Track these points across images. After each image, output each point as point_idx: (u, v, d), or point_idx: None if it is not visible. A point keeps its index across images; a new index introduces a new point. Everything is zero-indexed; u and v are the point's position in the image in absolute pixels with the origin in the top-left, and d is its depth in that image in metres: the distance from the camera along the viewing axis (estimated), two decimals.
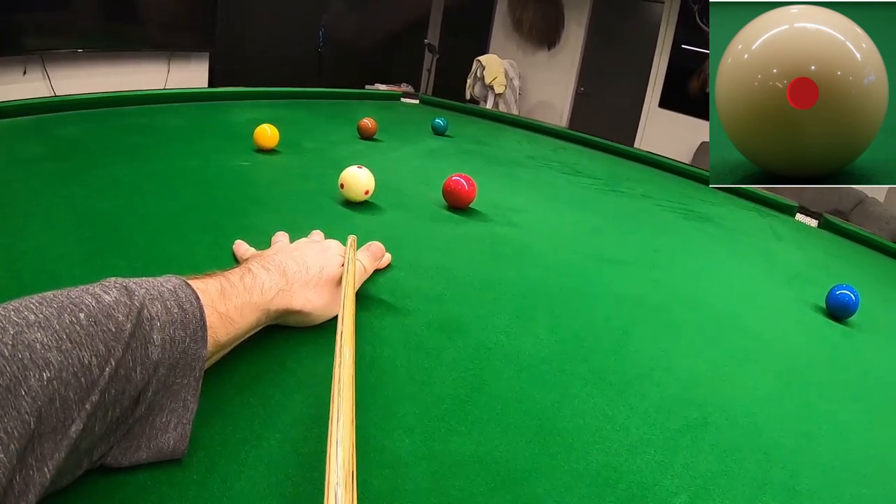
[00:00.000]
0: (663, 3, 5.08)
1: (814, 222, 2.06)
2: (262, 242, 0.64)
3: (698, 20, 4.96)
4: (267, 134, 1.20)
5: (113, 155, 1.09)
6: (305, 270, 0.50)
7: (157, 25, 3.74)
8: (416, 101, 2.57)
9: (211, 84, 4.12)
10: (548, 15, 5.43)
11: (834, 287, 0.96)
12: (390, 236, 0.77)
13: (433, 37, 7.03)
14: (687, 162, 4.86)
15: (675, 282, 0.93)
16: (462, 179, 0.99)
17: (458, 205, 1.01)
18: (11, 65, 3.13)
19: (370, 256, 0.63)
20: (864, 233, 1.90)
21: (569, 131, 2.48)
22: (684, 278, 0.96)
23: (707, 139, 5.04)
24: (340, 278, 0.53)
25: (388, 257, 0.69)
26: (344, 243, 0.60)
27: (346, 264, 0.53)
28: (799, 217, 2.08)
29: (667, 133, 5.30)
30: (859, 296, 0.94)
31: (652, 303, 0.79)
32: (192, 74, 4.07)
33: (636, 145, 5.40)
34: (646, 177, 1.99)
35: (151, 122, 1.44)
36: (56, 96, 1.61)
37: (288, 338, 0.50)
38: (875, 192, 4.64)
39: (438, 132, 1.85)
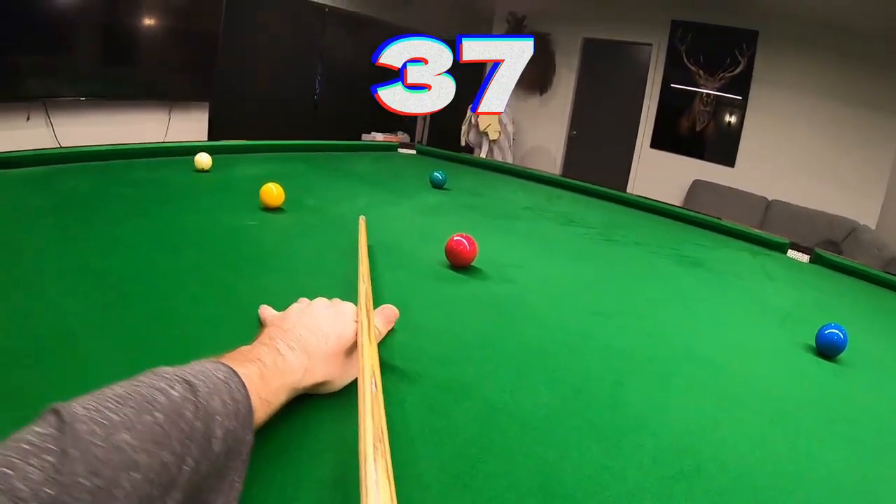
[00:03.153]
0: (651, 45, 5.27)
1: (805, 258, 2.12)
2: (271, 303, 0.68)
3: (686, 60, 5.14)
4: (273, 193, 1.25)
5: (117, 209, 1.16)
6: (325, 342, 0.54)
7: (157, 75, 3.92)
8: (413, 152, 2.67)
9: (211, 134, 4.28)
10: (539, 62, 5.62)
11: (823, 326, 1.01)
12: (395, 297, 0.82)
13: None
14: (680, 202, 4.98)
15: (666, 332, 0.97)
16: (464, 240, 1.05)
17: (459, 264, 1.06)
18: (15, 110, 3.27)
19: (384, 320, 0.67)
20: (854, 265, 1.97)
21: (563, 179, 2.56)
22: (676, 327, 1.01)
23: (700, 178, 5.17)
24: (356, 342, 0.56)
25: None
26: (355, 302, 0.63)
27: (359, 333, 0.56)
28: (791, 253, 2.14)
29: (659, 173, 5.42)
30: (847, 334, 0.98)
31: (644, 354, 0.83)
32: (192, 124, 4.24)
33: (629, 186, 5.52)
34: (639, 223, 2.05)
35: (154, 177, 1.52)
36: (60, 147, 1.69)
37: (309, 403, 0.54)
38: (867, 219, 4.72)
39: (437, 185, 1.91)
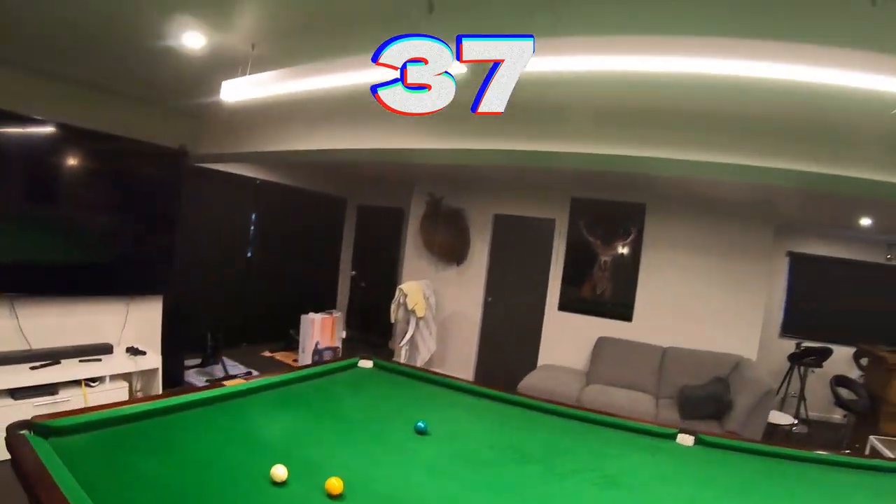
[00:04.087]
0: (554, 219, 6.06)
1: (691, 440, 2.57)
2: None
3: (585, 232, 5.94)
4: (336, 485, 1.50)
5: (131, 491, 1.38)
6: None
7: (118, 270, 4.17)
8: (370, 364, 2.98)
9: (165, 325, 4.50)
10: (455, 236, 6.28)
11: None
12: None
13: (346, 259, 7.84)
14: (588, 357, 5.50)
15: None
16: None
17: None
18: None
19: None
20: (727, 442, 2.47)
21: (512, 397, 2.79)
22: None
23: (606, 334, 5.77)
24: None
25: None
26: None
27: None
28: (679, 438, 2.57)
29: (567, 332, 5.99)
30: None
31: None
32: (149, 314, 4.44)
33: (541, 345, 6.03)
34: (579, 441, 2.36)
35: (168, 439, 1.72)
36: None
37: None
38: (748, 353, 5.42)
39: (420, 433, 2.14)
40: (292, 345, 6.26)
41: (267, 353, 6.22)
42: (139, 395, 4.00)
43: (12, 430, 1.53)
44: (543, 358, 6.06)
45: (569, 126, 3.53)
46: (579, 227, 5.99)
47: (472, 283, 6.39)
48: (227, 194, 6.12)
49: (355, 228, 8.01)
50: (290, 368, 5.08)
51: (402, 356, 5.55)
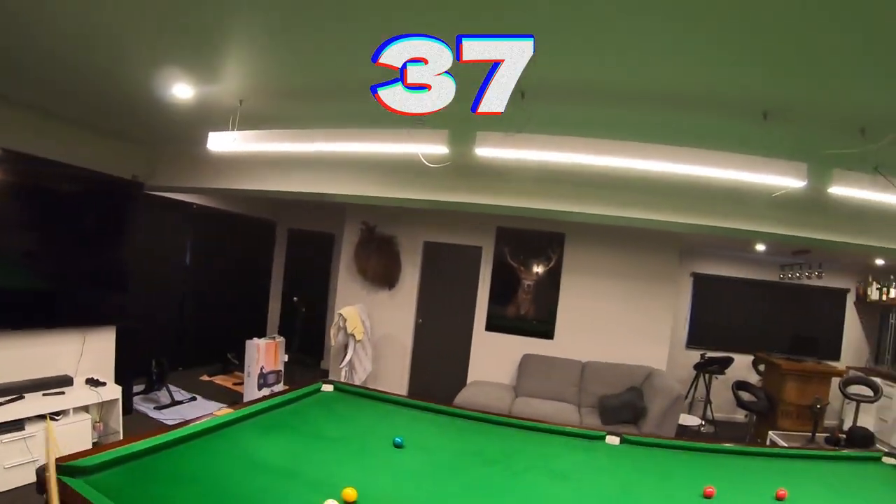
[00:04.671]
0: (481, 247, 6.51)
1: (617, 440, 3.01)
2: None
3: (509, 258, 6.41)
4: (351, 495, 1.72)
5: None
6: None
7: (76, 301, 4.18)
8: (332, 388, 3.20)
9: (117, 354, 4.45)
10: (387, 262, 6.56)
11: None
12: None
13: (276, 282, 7.90)
14: (514, 373, 5.93)
15: None
16: None
17: None
18: None
19: None
20: (647, 440, 2.94)
21: (467, 413, 3.10)
22: None
23: (530, 351, 6.24)
24: None
25: None
26: None
27: None
28: (608, 439, 3.01)
29: (495, 350, 6.43)
30: None
31: None
32: (103, 343, 4.39)
33: (470, 363, 6.43)
34: (528, 444, 2.73)
35: (188, 468, 1.87)
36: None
37: None
38: (658, 364, 6.09)
39: (398, 446, 2.40)
40: (230, 368, 6.25)
41: (205, 377, 6.18)
42: (99, 426, 3.99)
43: (41, 472, 1.65)
44: (473, 375, 6.45)
45: (500, 183, 4.12)
46: (504, 254, 6.47)
47: (404, 306, 6.69)
48: (165, 219, 6.08)
49: (286, 252, 8.09)
50: (234, 393, 5.10)
51: (341, 377, 5.72)
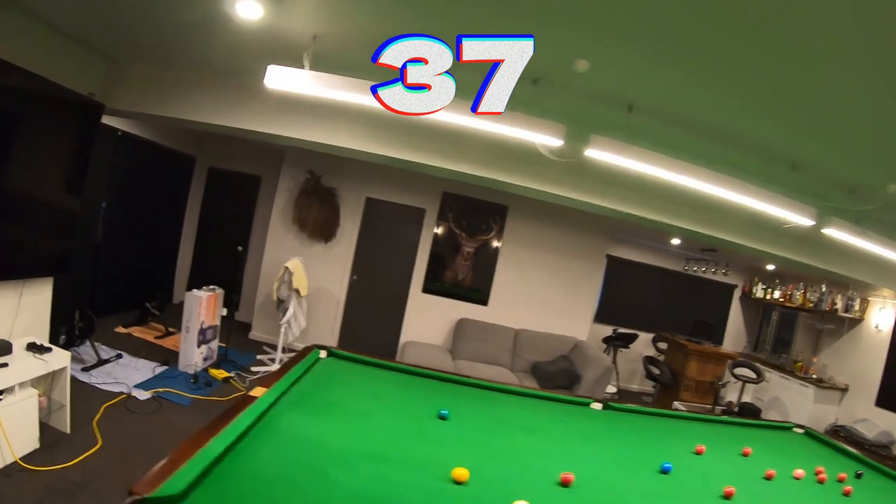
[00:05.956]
0: (425, 209, 6.44)
1: (600, 406, 3.20)
2: None
3: (452, 224, 6.42)
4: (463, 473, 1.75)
5: None
6: None
7: (12, 252, 3.29)
8: (325, 354, 3.03)
9: (55, 307, 3.71)
10: (328, 215, 6.30)
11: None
12: None
13: (190, 225, 7.28)
14: (450, 336, 6.03)
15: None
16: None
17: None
18: None
19: None
20: (626, 406, 3.19)
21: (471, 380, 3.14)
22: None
23: (466, 316, 6.35)
24: None
25: None
26: None
27: None
28: (593, 405, 3.19)
29: (430, 313, 6.48)
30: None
31: None
32: (38, 298, 3.58)
33: (404, 324, 6.42)
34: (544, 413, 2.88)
35: (270, 470, 1.61)
36: None
37: None
38: (582, 335, 6.55)
39: (443, 418, 2.41)
40: (146, 318, 5.66)
41: (121, 329, 5.49)
42: (43, 400, 3.16)
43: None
44: (406, 335, 6.45)
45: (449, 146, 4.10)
46: (448, 219, 6.47)
47: (339, 262, 6.49)
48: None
49: (204, 193, 7.44)
50: (160, 349, 4.59)
51: (281, 335, 5.46)
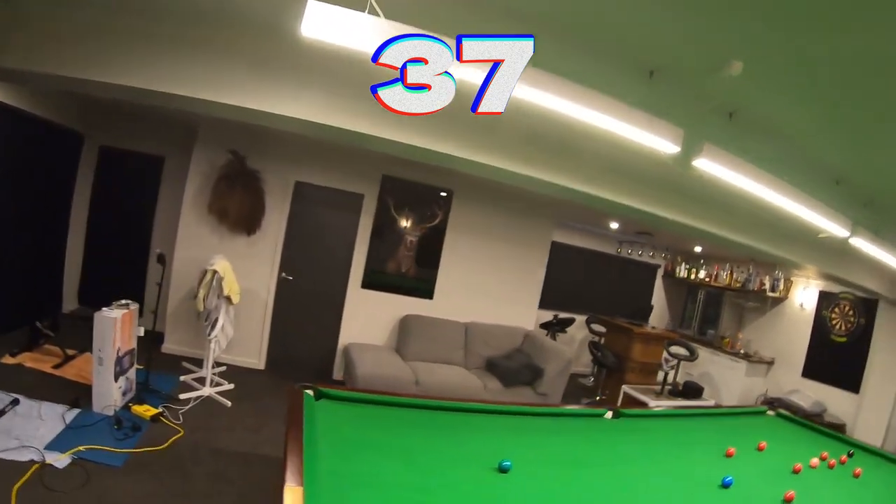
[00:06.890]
0: (363, 195, 5.84)
1: (610, 414, 2.94)
2: None
3: (393, 211, 5.89)
4: None
5: None
6: None
7: None
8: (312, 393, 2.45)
9: None
10: (251, 202, 5.53)
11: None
12: None
13: (79, 213, 6.18)
14: (394, 334, 5.57)
15: None
16: None
17: None
18: None
19: None
20: (633, 412, 2.97)
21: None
22: None
23: (411, 312, 5.88)
24: None
25: None
26: None
27: None
28: (607, 416, 2.91)
29: (372, 310, 5.94)
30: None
31: None
32: None
33: (343, 322, 5.83)
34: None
35: None
36: None
37: None
38: (529, 325, 6.41)
39: (504, 471, 2.07)
40: (40, 340, 4.55)
41: (9, 360, 4.29)
42: None
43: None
44: (345, 337, 5.87)
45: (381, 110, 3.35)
46: (388, 205, 5.93)
47: (265, 257, 5.75)
48: None
49: (94, 177, 6.31)
50: (65, 383, 3.77)
51: (210, 350, 4.69)
